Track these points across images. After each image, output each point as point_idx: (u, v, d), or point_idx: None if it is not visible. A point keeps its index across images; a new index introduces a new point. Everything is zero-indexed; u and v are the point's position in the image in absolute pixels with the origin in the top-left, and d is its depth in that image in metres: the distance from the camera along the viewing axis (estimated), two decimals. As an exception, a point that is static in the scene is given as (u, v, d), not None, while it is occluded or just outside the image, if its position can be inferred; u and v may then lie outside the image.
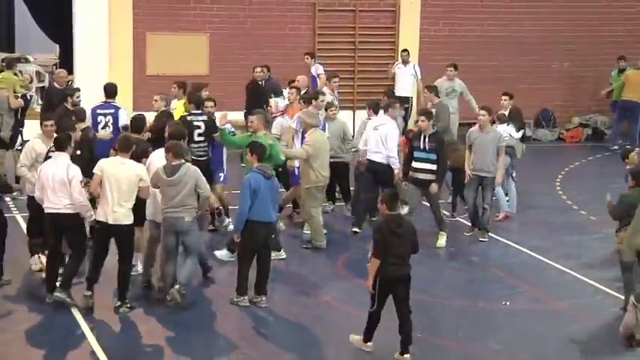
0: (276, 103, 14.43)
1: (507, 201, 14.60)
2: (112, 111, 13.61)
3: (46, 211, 10.40)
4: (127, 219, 10.26)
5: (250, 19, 20.26)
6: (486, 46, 21.33)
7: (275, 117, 14.06)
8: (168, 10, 19.78)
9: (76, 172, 10.32)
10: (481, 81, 17.91)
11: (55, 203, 10.29)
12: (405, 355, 9.38)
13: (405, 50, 19.35)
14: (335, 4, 20.77)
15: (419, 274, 11.39)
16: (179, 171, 10.34)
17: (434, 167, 12.69)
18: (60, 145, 10.50)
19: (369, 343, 9.58)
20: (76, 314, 10.26)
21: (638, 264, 10.11)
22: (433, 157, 12.67)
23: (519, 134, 14.87)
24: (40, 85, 20.28)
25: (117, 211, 10.20)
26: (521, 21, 21.54)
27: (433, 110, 14.20)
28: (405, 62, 19.00)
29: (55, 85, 15.54)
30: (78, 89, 13.73)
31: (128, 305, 10.46)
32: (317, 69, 17.86)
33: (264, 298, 10.81)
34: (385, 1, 21.02)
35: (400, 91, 18.45)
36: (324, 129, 13.41)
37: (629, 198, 10.57)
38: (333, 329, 10.34)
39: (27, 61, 21.18)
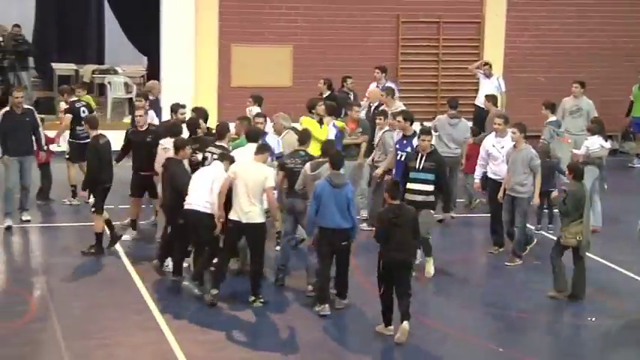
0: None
1: (593, 215, 14.22)
2: None
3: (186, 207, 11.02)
4: (260, 218, 10.73)
5: (333, 30, 20.27)
6: (573, 57, 20.92)
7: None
8: (254, 22, 19.91)
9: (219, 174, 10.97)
10: (568, 93, 17.52)
11: (197, 202, 10.91)
12: (404, 323, 9.95)
13: (487, 63, 19.04)
14: (419, 15, 20.64)
15: (500, 288, 11.18)
16: (321, 168, 11.13)
17: (429, 188, 11.85)
18: (176, 151, 11.45)
19: (390, 327, 10.13)
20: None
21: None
22: (430, 177, 11.85)
23: (609, 144, 14.52)
24: (128, 96, 20.61)
25: (250, 211, 10.66)
26: (610, 31, 21.06)
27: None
28: (488, 75, 18.68)
29: (149, 97, 15.73)
30: (184, 106, 13.84)
31: (262, 300, 10.85)
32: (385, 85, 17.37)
33: (343, 302, 10.90)
34: (470, 12, 20.82)
35: (483, 103, 18.15)
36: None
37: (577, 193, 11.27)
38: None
39: (116, 72, 21.58)
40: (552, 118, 15.48)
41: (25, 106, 13.51)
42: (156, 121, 14.19)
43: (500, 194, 12.68)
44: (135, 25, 22.04)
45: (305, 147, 11.96)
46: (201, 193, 10.97)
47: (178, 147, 11.47)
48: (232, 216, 10.80)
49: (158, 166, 12.03)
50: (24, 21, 21.07)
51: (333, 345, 10.11)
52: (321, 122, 13.57)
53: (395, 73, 20.65)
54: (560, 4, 20.95)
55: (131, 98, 20.38)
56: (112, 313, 10.55)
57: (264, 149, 11.09)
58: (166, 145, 11.92)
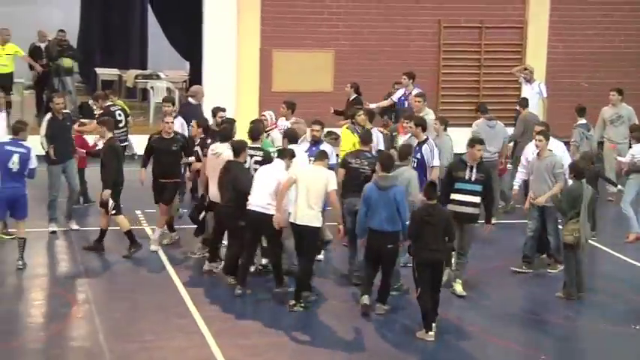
0: (271, 116, 14.15)
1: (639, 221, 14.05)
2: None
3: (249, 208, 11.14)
4: (316, 221, 10.80)
5: (375, 35, 20.28)
6: (616, 62, 20.71)
7: (269, 130, 13.58)
8: (295, 27, 19.97)
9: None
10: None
11: (260, 203, 11.03)
12: (429, 333, 10.09)
13: (526, 68, 18.79)
14: (460, 20, 20.57)
15: (544, 296, 11.04)
16: (397, 171, 11.19)
17: (477, 200, 11.47)
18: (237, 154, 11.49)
19: (430, 332, 10.13)
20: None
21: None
22: (479, 188, 11.48)
23: None
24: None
25: (307, 214, 10.71)
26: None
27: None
28: (529, 80, 18.46)
29: (191, 101, 15.81)
30: (224, 109, 13.88)
31: (302, 304, 10.88)
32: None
33: (384, 307, 10.86)
34: (512, 17, 20.70)
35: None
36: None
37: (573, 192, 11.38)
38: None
39: (158, 77, 21.75)
40: (581, 120, 15.41)
41: (64, 111, 13.64)
42: (184, 128, 14.08)
43: (526, 205, 12.43)
44: (177, 31, 22.22)
45: (369, 147, 11.98)
46: (264, 194, 11.02)
47: (239, 150, 11.46)
48: (289, 218, 10.87)
49: (210, 172, 11.85)
50: (68, 26, 21.29)
51: (377, 349, 10.06)
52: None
53: (436, 78, 20.61)
54: (603, 9, 20.76)
55: (173, 103, 20.50)
56: (153, 317, 10.61)
57: (324, 156, 11.10)
58: (217, 150, 11.84)
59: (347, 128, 13.50)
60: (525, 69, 18.63)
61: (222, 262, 11.86)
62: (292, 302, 10.92)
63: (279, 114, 14.12)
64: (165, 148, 12.68)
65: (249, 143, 11.99)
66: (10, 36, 18.83)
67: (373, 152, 12.25)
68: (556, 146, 12.90)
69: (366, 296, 10.81)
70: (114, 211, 12.46)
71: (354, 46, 20.23)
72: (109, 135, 12.58)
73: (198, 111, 15.42)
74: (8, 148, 11.71)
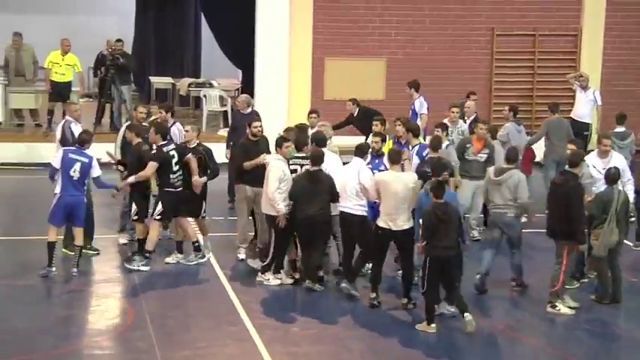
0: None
1: None
2: None
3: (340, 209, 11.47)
4: (408, 223, 10.98)
5: (427, 44, 20.23)
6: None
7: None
8: (347, 35, 20.00)
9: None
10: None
11: (349, 205, 11.36)
12: (466, 315, 10.36)
13: (581, 76, 18.58)
14: (514, 28, 20.43)
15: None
16: (504, 174, 11.52)
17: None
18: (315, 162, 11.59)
19: (432, 325, 10.42)
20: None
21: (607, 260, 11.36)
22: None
23: None
24: (222, 109, 20.89)
25: (397, 218, 10.90)
26: None
27: None
28: (584, 88, 18.24)
29: (240, 110, 15.86)
30: (258, 119, 13.88)
31: (413, 302, 11.07)
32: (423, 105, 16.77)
33: (452, 309, 10.89)
34: (567, 25, 20.51)
35: (579, 117, 17.79)
36: None
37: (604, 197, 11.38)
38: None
39: (211, 86, 21.91)
40: (618, 128, 15.20)
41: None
42: (181, 135, 13.60)
43: None
44: (230, 40, 22.36)
45: (437, 153, 12.13)
46: (351, 196, 11.34)
47: (319, 158, 11.57)
48: (380, 223, 11.05)
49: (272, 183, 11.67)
50: (124, 35, 21.55)
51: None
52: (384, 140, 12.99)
53: (489, 86, 20.48)
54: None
55: (226, 111, 20.68)
56: (206, 324, 10.65)
57: (399, 158, 11.25)
58: (269, 158, 11.92)
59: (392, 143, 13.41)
60: (580, 76, 18.41)
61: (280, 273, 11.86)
62: (404, 301, 11.15)
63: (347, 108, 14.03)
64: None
65: (295, 153, 12.04)
66: (70, 46, 19.12)
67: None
68: (617, 158, 12.70)
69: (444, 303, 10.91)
70: (136, 217, 12.50)
71: (407, 54, 20.19)
72: (136, 140, 12.56)
73: (247, 120, 15.42)
74: (72, 156, 11.85)
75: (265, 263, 11.89)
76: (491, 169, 11.91)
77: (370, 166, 12.03)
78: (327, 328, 10.68)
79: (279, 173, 11.55)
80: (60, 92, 18.59)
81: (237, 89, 22.02)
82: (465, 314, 10.39)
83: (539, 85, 20.47)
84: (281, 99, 19.44)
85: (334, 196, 11.49)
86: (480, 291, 11.65)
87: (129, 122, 13.72)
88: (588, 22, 20.47)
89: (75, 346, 9.95)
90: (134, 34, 24.41)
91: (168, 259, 12.60)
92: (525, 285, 11.89)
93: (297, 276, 11.98)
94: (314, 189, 11.46)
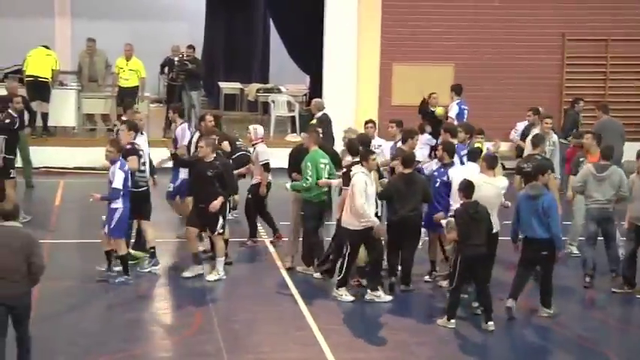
0: (255, 130, 13.82)
1: None
2: None
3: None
4: (495, 228, 11.02)
5: (496, 49, 20.04)
6: None
7: (255, 144, 13.48)
8: (415, 40, 19.94)
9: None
10: None
11: None
12: (489, 323, 10.51)
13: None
14: (585, 33, 20.12)
15: None
16: (607, 170, 11.91)
17: None
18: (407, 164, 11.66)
19: (452, 320, 10.58)
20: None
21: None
22: None
23: None
24: (290, 114, 20.95)
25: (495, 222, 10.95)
26: None
27: None
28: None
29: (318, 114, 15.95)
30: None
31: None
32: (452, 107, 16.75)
33: (550, 311, 10.97)
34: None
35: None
36: None
37: None
38: None
39: (279, 91, 21.99)
40: None
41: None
42: (185, 135, 13.71)
43: (626, 224, 12.03)
44: (299, 46, 22.43)
45: (539, 150, 12.46)
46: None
47: (411, 161, 11.62)
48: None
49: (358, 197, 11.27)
50: (193, 41, 21.80)
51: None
52: None
53: (559, 92, 20.21)
54: None
55: (294, 116, 20.74)
56: (272, 328, 10.67)
57: (494, 164, 11.36)
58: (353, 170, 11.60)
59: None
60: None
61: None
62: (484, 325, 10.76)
63: (389, 134, 13.88)
64: (201, 171, 12.02)
65: (351, 159, 11.96)
66: (133, 51, 19.37)
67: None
68: None
69: (512, 299, 10.88)
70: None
71: (475, 60, 20.03)
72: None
73: (328, 120, 15.56)
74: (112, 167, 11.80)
75: (339, 278, 11.58)
76: (590, 166, 12.02)
77: (437, 173, 12.00)
78: (394, 334, 10.60)
79: (362, 186, 11.15)
80: (123, 98, 18.92)
81: (305, 95, 22.07)
82: (489, 323, 10.52)
83: (611, 92, 20.10)
84: (348, 105, 19.42)
85: (427, 197, 11.60)
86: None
87: (199, 133, 13.52)
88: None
89: (142, 348, 10.04)
90: (204, 40, 24.62)
91: (186, 274, 12.21)
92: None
93: (363, 282, 11.93)
94: (409, 190, 11.49)
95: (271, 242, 13.76)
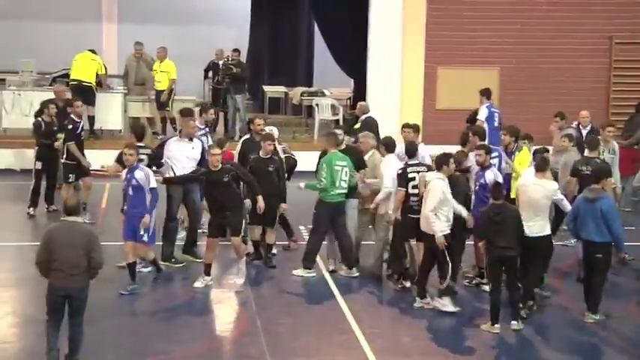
0: (271, 130, 13.63)
1: None
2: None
3: None
4: (545, 230, 10.96)
5: (542, 52, 19.90)
6: None
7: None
8: (460, 44, 19.87)
9: None
10: None
11: None
12: (512, 322, 10.61)
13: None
14: (634, 36, 19.89)
15: None
16: None
17: None
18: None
19: (496, 325, 10.55)
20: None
21: None
22: None
23: None
24: (334, 118, 20.94)
25: (532, 225, 10.86)
26: None
27: None
28: None
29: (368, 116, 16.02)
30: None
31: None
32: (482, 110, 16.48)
33: (596, 317, 10.95)
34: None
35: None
36: None
37: None
38: None
39: (323, 95, 22.00)
40: None
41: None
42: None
43: None
44: (343, 50, 22.45)
45: (595, 154, 12.50)
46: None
47: (443, 162, 11.42)
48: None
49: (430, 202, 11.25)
50: (239, 45, 21.90)
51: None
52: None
53: (607, 96, 19.99)
54: None
55: (338, 120, 20.75)
56: (316, 332, 10.67)
57: (545, 166, 11.27)
58: (430, 176, 11.58)
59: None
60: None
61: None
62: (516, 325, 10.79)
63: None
64: (216, 179, 11.77)
65: (410, 160, 12.05)
66: (166, 53, 19.53)
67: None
68: None
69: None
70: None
71: (520, 63, 19.92)
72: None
73: (374, 124, 15.66)
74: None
75: (443, 287, 11.33)
76: None
77: (475, 178, 11.99)
78: (437, 340, 10.55)
79: (439, 193, 11.06)
80: (157, 100, 19.05)
81: (349, 98, 22.07)
82: (512, 322, 10.64)
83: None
84: (393, 108, 19.38)
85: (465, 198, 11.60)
86: None
87: (247, 136, 13.71)
88: None
89: (188, 350, 10.10)
90: (248, 44, 24.75)
91: (197, 284, 11.99)
92: None
93: (407, 284, 11.90)
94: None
95: (284, 248, 13.61)
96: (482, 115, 16.51)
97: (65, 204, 9.23)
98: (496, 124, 16.14)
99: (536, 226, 10.88)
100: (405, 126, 13.55)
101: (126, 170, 11.65)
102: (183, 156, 12.75)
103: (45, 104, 15.68)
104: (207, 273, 12.03)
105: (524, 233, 10.75)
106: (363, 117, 16.10)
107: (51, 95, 17.13)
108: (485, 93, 16.79)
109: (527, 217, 10.83)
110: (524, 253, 10.85)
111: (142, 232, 11.57)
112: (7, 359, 9.66)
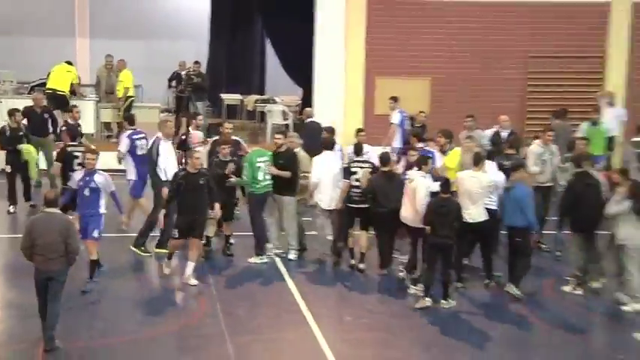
0: (195, 134, 13.91)
1: None
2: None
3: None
4: (482, 217, 11.10)
5: (467, 65, 20.05)
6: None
7: (195, 147, 13.19)
8: (395, 56, 19.89)
9: None
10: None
11: None
12: (442, 301, 10.78)
13: (609, 94, 18.25)
14: (545, 52, 20.14)
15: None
16: None
17: None
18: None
19: (427, 299, 10.73)
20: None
21: None
22: None
23: None
24: (285, 122, 20.85)
25: (470, 212, 11.01)
26: None
27: None
28: (611, 105, 17.90)
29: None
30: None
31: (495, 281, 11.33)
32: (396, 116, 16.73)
33: (517, 291, 11.04)
34: (593, 48, 20.16)
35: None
36: None
37: None
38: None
39: (274, 102, 21.93)
40: (637, 138, 14.82)
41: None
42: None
43: None
44: (292, 61, 22.41)
45: (513, 151, 12.68)
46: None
47: (479, 160, 11.34)
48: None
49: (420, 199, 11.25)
50: (199, 57, 21.79)
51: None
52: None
53: (523, 104, 20.19)
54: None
55: (287, 124, 20.67)
56: (269, 313, 10.63)
57: (479, 160, 11.33)
58: (413, 175, 11.54)
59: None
60: (609, 94, 18.14)
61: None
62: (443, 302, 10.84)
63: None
64: (194, 182, 11.32)
65: (355, 157, 12.28)
66: (123, 64, 19.40)
67: None
68: None
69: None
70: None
71: (449, 74, 20.01)
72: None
73: (316, 127, 15.63)
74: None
75: (414, 277, 11.40)
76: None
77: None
78: (379, 318, 10.57)
79: (424, 191, 11.14)
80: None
81: (298, 105, 22.01)
82: (443, 301, 10.74)
83: (568, 102, 20.07)
84: (337, 114, 19.34)
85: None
86: None
87: (217, 138, 13.56)
88: (612, 46, 20.09)
89: (154, 331, 9.98)
90: (208, 56, 24.59)
91: (165, 270, 11.75)
92: None
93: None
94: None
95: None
96: (395, 119, 16.71)
97: (45, 196, 9.28)
98: (406, 126, 16.34)
99: (473, 212, 11.02)
100: (359, 130, 14.02)
101: (83, 173, 11.27)
102: (171, 155, 12.60)
103: (12, 111, 15.28)
104: (170, 257, 11.81)
105: (466, 220, 10.92)
106: (308, 120, 16.13)
107: (29, 102, 16.81)
108: (395, 99, 17.03)
109: (465, 205, 10.98)
110: (470, 235, 11.17)
111: (94, 232, 11.06)
112: (-11, 340, 9.47)
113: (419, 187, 11.18)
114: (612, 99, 18.01)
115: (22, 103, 17.36)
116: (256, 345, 9.63)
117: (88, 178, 11.15)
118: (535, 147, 13.43)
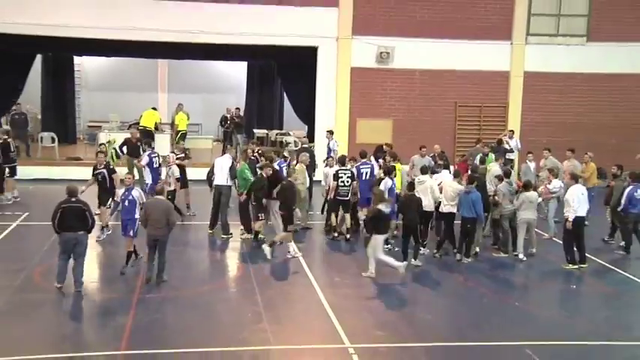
0: (172, 154, 13.21)
1: None
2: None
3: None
4: (453, 210, 11.59)
5: (416, 110, 20.17)
6: (576, 127, 20.08)
7: (170, 166, 12.76)
8: (369, 103, 19.80)
9: None
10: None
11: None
12: (413, 260, 11.14)
13: (511, 130, 18.70)
14: (468, 101, 20.23)
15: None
16: None
17: None
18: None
19: (404, 262, 10.84)
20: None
21: None
22: None
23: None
24: (296, 148, 20.73)
25: (447, 205, 11.60)
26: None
27: None
28: (511, 138, 18.37)
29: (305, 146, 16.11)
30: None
31: (440, 254, 11.55)
32: (334, 144, 16.36)
33: (468, 259, 11.59)
34: (499, 100, 20.28)
35: (508, 155, 17.64)
36: None
37: None
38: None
39: (289, 134, 22.16)
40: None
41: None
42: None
43: None
44: (300, 108, 22.54)
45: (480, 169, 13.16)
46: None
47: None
48: (444, 209, 11.73)
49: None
50: (239, 104, 22.01)
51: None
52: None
53: (453, 137, 20.29)
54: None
55: (297, 148, 20.79)
56: (285, 277, 10.69)
57: (458, 174, 11.90)
58: (421, 178, 11.97)
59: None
60: (510, 131, 18.50)
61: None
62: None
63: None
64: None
65: (341, 167, 12.86)
66: (180, 109, 19.61)
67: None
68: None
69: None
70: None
71: (404, 117, 20.07)
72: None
73: (311, 152, 15.73)
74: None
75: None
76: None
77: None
78: (359, 279, 10.53)
79: (436, 188, 11.92)
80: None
81: (305, 136, 22.20)
82: (413, 261, 11.05)
83: (483, 135, 20.28)
84: (330, 143, 19.48)
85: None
86: None
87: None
88: (512, 97, 20.22)
89: (190, 292, 9.72)
90: (245, 104, 24.87)
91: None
92: None
93: (335, 234, 12.55)
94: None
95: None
96: (332, 145, 16.33)
97: (67, 188, 9.29)
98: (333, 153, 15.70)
99: (448, 205, 11.63)
100: (352, 159, 13.68)
101: (124, 188, 10.58)
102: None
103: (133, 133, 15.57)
104: (136, 255, 10.62)
105: (442, 210, 11.60)
106: (304, 145, 16.34)
107: (128, 135, 17.03)
108: (330, 131, 16.97)
109: (446, 201, 11.67)
110: (444, 222, 11.69)
111: (130, 232, 10.37)
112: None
113: (432, 187, 11.81)
114: (512, 134, 18.44)
115: (123, 135, 17.74)
116: (279, 298, 9.75)
117: (127, 193, 10.44)
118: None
